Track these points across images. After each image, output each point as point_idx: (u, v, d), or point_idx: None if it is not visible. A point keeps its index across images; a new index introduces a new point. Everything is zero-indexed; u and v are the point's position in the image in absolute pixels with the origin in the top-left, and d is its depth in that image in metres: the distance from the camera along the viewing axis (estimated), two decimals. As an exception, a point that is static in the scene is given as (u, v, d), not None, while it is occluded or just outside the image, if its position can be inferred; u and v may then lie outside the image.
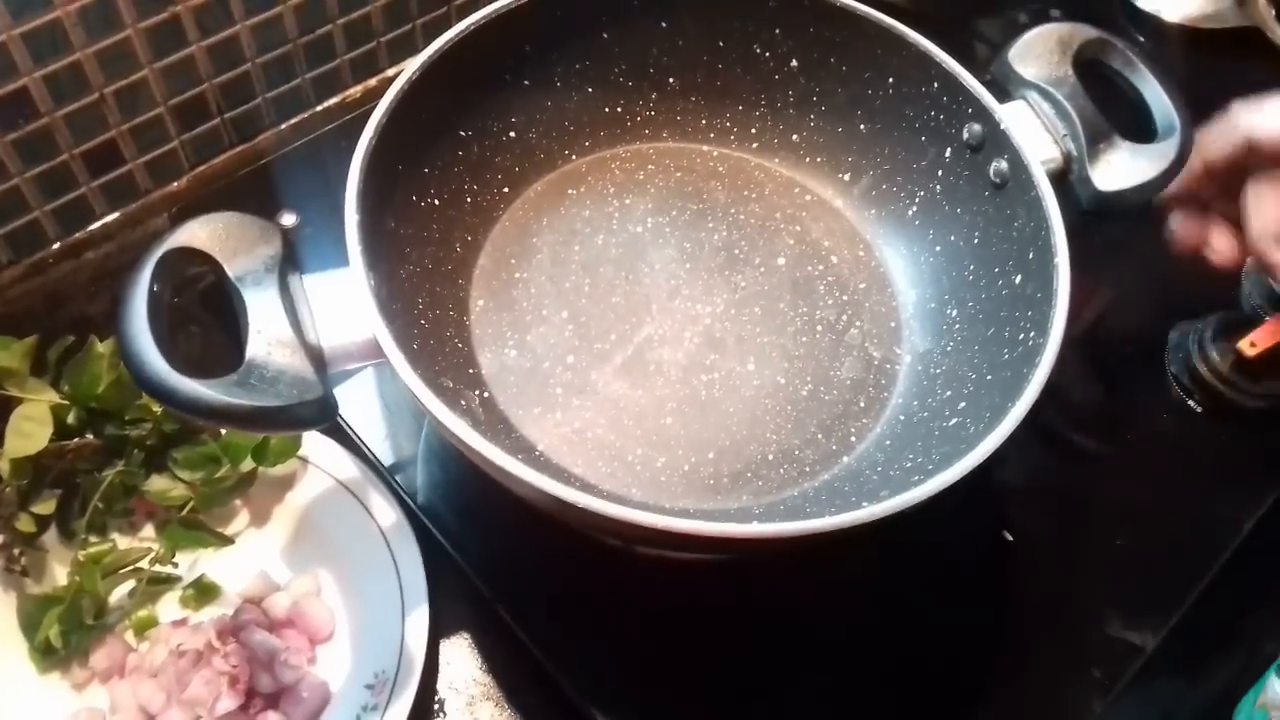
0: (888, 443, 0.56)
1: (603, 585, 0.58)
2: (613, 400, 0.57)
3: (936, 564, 0.61)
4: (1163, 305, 0.73)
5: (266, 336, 0.46)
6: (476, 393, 0.56)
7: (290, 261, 0.49)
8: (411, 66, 0.55)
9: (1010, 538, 0.63)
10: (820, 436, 0.57)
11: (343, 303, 0.48)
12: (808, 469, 0.56)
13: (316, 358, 0.47)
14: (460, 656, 0.60)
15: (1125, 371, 0.71)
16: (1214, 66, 0.83)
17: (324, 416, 0.46)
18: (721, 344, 0.60)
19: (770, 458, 0.56)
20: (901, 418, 0.57)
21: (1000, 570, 0.62)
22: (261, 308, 0.46)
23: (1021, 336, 0.53)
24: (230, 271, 0.47)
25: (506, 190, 0.64)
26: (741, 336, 0.60)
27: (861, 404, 0.58)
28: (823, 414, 0.58)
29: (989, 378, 0.54)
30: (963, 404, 0.54)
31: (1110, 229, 0.60)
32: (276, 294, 0.47)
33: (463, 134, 0.61)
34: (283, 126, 0.79)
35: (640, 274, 0.62)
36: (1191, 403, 0.69)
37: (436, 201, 0.59)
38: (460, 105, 0.60)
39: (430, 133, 0.58)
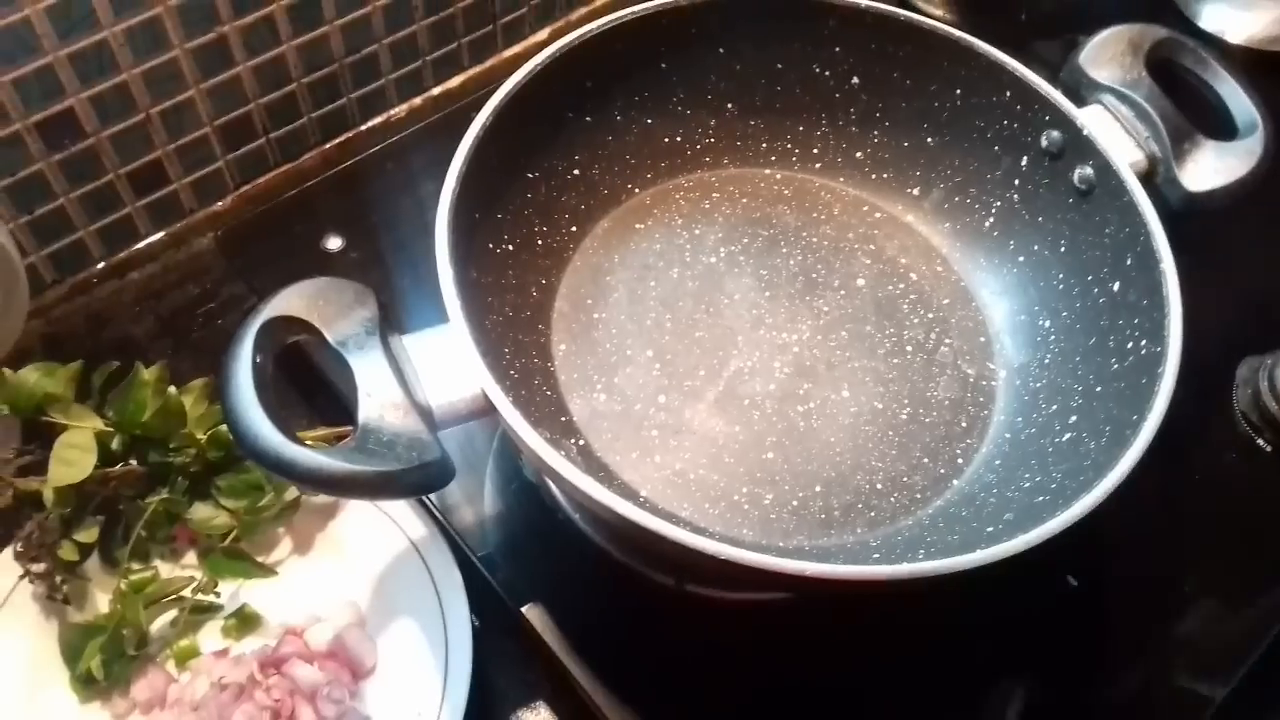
0: (997, 462, 0.55)
1: (653, 625, 0.57)
2: (710, 438, 0.56)
3: (997, 608, 0.57)
4: (1230, 337, 0.69)
5: (378, 400, 0.44)
6: (573, 441, 0.55)
7: (389, 323, 0.47)
8: (483, 113, 0.54)
9: (1074, 583, 0.60)
10: (926, 461, 0.56)
11: (445, 360, 0.47)
12: (919, 495, 0.55)
13: (427, 418, 0.45)
14: (505, 693, 0.58)
15: (1189, 407, 0.68)
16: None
17: (445, 477, 0.44)
18: (813, 372, 0.58)
19: (879, 487, 0.55)
20: (1007, 435, 0.56)
21: (1064, 618, 0.60)
22: (369, 371, 0.45)
23: (1130, 345, 0.52)
24: (330, 337, 0.46)
25: (575, 229, 0.62)
26: (832, 363, 0.59)
27: (963, 424, 0.57)
28: (925, 437, 0.57)
29: (1098, 389, 0.53)
30: (1073, 418, 0.53)
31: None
32: (382, 356, 0.45)
33: (530, 175, 0.59)
34: (327, 146, 0.78)
35: (720, 305, 0.61)
36: (1261, 441, 0.66)
37: (510, 247, 0.58)
38: (526, 147, 0.58)
39: (501, 177, 0.57)
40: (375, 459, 0.42)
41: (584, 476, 0.43)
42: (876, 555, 0.51)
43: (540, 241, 0.60)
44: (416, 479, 0.43)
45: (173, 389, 0.59)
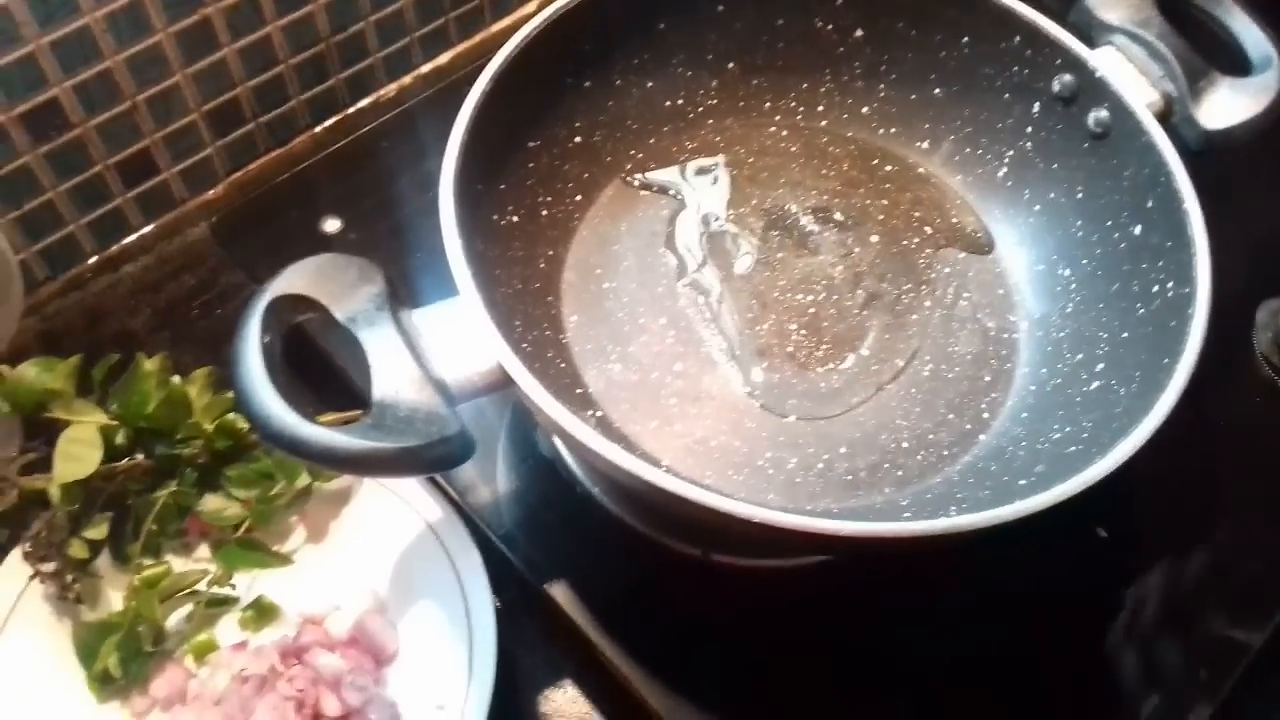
0: (1024, 415, 0.54)
1: (680, 596, 0.56)
2: (730, 404, 0.55)
3: (1027, 564, 0.56)
4: (1249, 280, 0.67)
5: (391, 376, 0.43)
6: (590, 413, 0.53)
7: (397, 298, 0.46)
8: (481, 81, 0.52)
9: (1104, 534, 0.59)
10: (952, 416, 0.55)
11: (458, 333, 0.46)
12: (946, 452, 0.54)
13: (443, 392, 0.44)
14: (529, 672, 0.57)
15: (1209, 352, 0.67)
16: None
17: (466, 451, 0.43)
18: (830, 332, 0.57)
19: (905, 445, 0.54)
20: (1032, 387, 0.55)
21: (1095, 569, 0.58)
22: (380, 347, 0.43)
23: (1155, 289, 0.51)
24: (338, 314, 0.44)
25: (579, 198, 0.61)
26: (850, 322, 0.58)
27: (987, 378, 0.56)
28: (949, 393, 0.56)
29: (1124, 335, 0.52)
30: (1100, 365, 0.52)
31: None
32: (394, 330, 0.44)
33: (531, 145, 0.58)
34: (317, 129, 0.76)
35: (731, 268, 0.59)
36: None
37: (515, 218, 0.56)
38: (526, 115, 0.57)
39: (502, 147, 0.55)
40: (394, 435, 0.41)
41: (609, 444, 0.42)
42: (907, 514, 0.50)
43: (545, 212, 0.59)
44: (438, 453, 0.42)
45: (176, 378, 0.57)
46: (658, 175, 0.63)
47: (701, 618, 0.55)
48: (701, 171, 0.63)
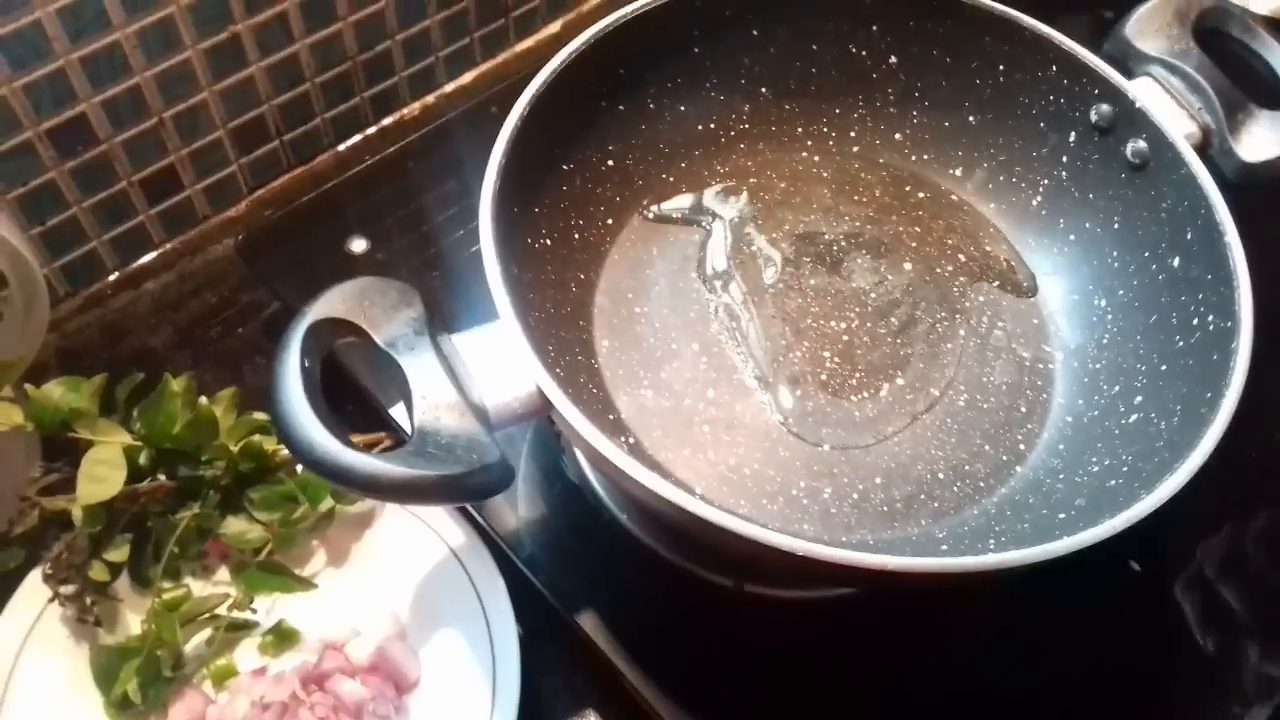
0: (1061, 447, 0.53)
1: (711, 627, 0.55)
2: (763, 432, 0.54)
3: (1061, 598, 0.55)
4: None
5: (432, 401, 0.42)
6: (623, 439, 0.53)
7: (436, 321, 0.45)
8: (520, 103, 0.52)
9: (1137, 567, 0.58)
10: (988, 448, 0.54)
11: (497, 358, 0.45)
12: (982, 484, 0.53)
13: (484, 418, 0.43)
14: (551, 702, 0.56)
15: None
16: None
17: (506, 479, 0.42)
18: (864, 360, 0.57)
19: (941, 476, 0.53)
20: (1069, 419, 0.54)
21: (1128, 603, 0.58)
22: (421, 372, 0.43)
23: (1195, 322, 0.51)
24: (378, 338, 0.44)
25: (611, 222, 0.60)
26: (883, 350, 0.57)
27: (1023, 409, 0.55)
28: (984, 423, 0.55)
29: (1163, 368, 0.52)
30: (1139, 398, 0.52)
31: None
32: (434, 356, 0.43)
33: (565, 168, 0.57)
34: (340, 148, 0.77)
35: (764, 295, 0.59)
36: None
37: (548, 241, 0.56)
38: (560, 138, 0.57)
39: (537, 170, 0.55)
40: (436, 463, 0.40)
41: (649, 473, 0.41)
42: (944, 547, 0.50)
43: (577, 235, 0.58)
44: (480, 481, 0.41)
45: (203, 399, 0.57)
46: (679, 203, 0.62)
47: (732, 649, 0.54)
48: (732, 196, 0.63)
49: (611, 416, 0.54)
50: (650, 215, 0.61)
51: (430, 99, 0.79)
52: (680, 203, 0.62)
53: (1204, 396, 0.47)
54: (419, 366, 0.43)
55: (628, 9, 0.56)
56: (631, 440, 0.53)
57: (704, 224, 0.62)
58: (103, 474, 0.54)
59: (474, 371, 0.45)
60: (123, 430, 0.56)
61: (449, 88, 0.80)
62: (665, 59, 0.60)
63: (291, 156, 0.74)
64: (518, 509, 0.59)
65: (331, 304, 0.44)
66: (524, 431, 0.61)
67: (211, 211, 0.72)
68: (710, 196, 0.63)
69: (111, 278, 0.69)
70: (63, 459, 0.56)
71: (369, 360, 0.44)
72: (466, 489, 0.41)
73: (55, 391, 0.55)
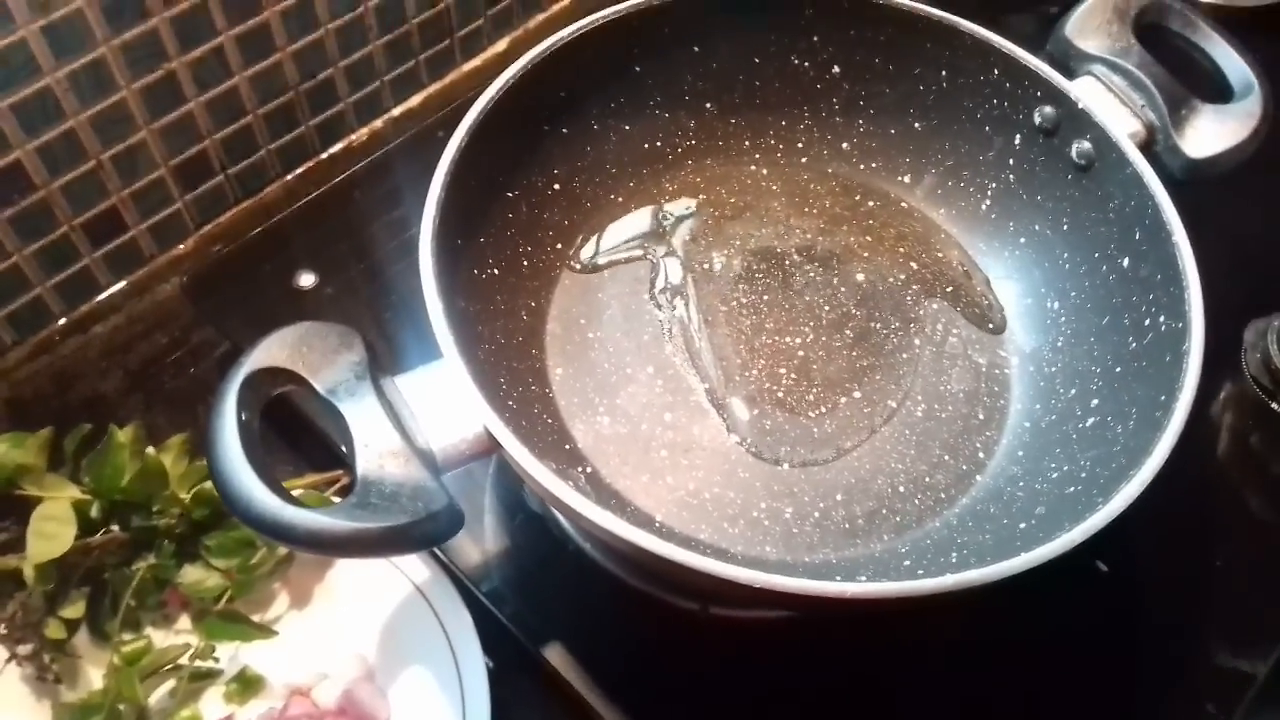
0: (1020, 453, 0.53)
1: (679, 651, 0.55)
2: (722, 454, 0.54)
3: (1027, 601, 0.52)
4: (1236, 301, 0.67)
5: (375, 449, 0.41)
6: (580, 469, 0.52)
7: (378, 364, 0.44)
8: (457, 134, 0.51)
9: (1104, 568, 0.58)
10: (947, 458, 0.54)
11: (442, 399, 0.44)
12: (943, 495, 0.53)
13: (429, 463, 0.42)
14: None
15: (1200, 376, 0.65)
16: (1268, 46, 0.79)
17: (454, 526, 0.42)
18: (821, 375, 0.56)
19: (901, 489, 0.53)
20: (1027, 424, 0.54)
21: (1096, 603, 0.57)
22: (363, 419, 0.42)
23: (1147, 323, 0.50)
24: (319, 386, 0.43)
25: (560, 246, 0.60)
26: (840, 364, 0.57)
27: (980, 416, 0.55)
28: (943, 433, 0.55)
29: (1118, 370, 0.51)
30: (1095, 401, 0.52)
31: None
32: (375, 401, 0.42)
33: (509, 195, 0.57)
34: (289, 178, 0.75)
35: (717, 313, 0.58)
36: (1275, 405, 0.64)
37: (495, 271, 0.55)
38: (504, 165, 0.56)
39: (480, 200, 0.54)
40: (380, 514, 0.39)
41: (600, 510, 0.41)
42: (908, 563, 0.49)
43: (526, 262, 0.58)
44: (426, 530, 0.40)
45: (150, 449, 0.56)
46: (620, 233, 0.62)
47: (701, 672, 0.54)
48: (682, 214, 0.62)
49: (568, 446, 0.53)
50: (577, 267, 0.60)
51: (378, 124, 0.79)
52: (621, 234, 0.62)
53: (1158, 399, 0.46)
54: (361, 413, 0.42)
55: (564, 32, 0.55)
56: (589, 470, 0.53)
57: (650, 256, 0.61)
58: (52, 530, 0.53)
59: (419, 414, 0.44)
60: (71, 484, 0.56)
61: (396, 112, 0.79)
62: (607, 79, 0.59)
63: (239, 190, 0.73)
64: (482, 542, 0.59)
65: (269, 353, 0.43)
66: (485, 465, 0.61)
67: (158, 250, 0.71)
68: (659, 215, 0.62)
69: (59, 323, 0.68)
70: (11, 516, 0.55)
71: (311, 407, 0.43)
72: (412, 539, 0.40)
73: (0, 449, 0.54)
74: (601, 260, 0.60)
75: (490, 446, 0.44)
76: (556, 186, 0.59)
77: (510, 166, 0.56)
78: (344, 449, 0.56)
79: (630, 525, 0.40)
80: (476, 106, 0.52)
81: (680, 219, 0.62)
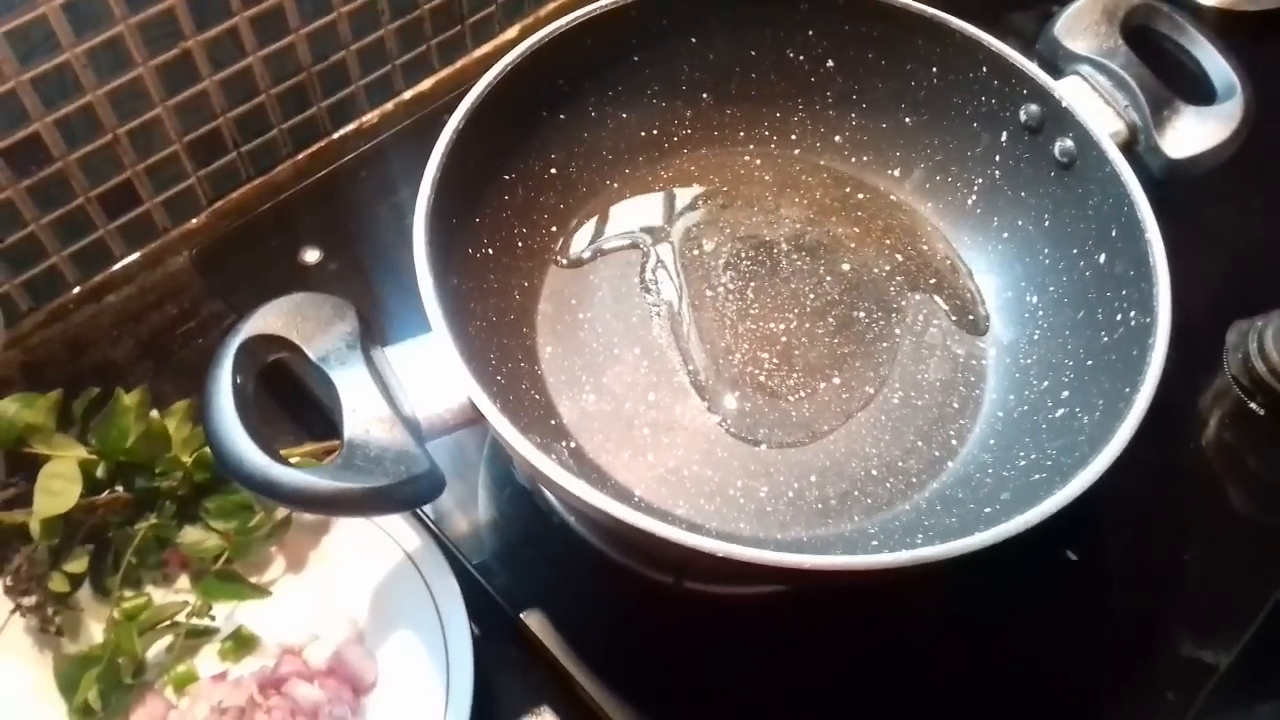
0: (991, 442, 0.55)
1: (654, 623, 0.56)
2: (702, 433, 0.55)
3: (998, 586, 0.55)
4: (1218, 302, 0.68)
5: (362, 415, 0.43)
6: (564, 444, 0.54)
7: (370, 336, 0.46)
8: (455, 117, 0.53)
9: (1074, 557, 0.59)
10: (920, 444, 0.55)
11: (429, 370, 0.46)
12: (914, 480, 0.54)
13: (414, 430, 0.44)
14: (508, 700, 0.58)
15: (1181, 376, 0.60)
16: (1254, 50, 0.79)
17: (434, 490, 0.43)
18: (802, 360, 0.58)
19: (874, 473, 0.54)
20: (1000, 414, 0.56)
21: (1064, 592, 0.59)
22: (352, 386, 0.44)
23: (1119, 318, 0.52)
24: (311, 353, 0.45)
25: (554, 229, 0.61)
26: (821, 351, 0.58)
27: (955, 405, 0.57)
28: (918, 420, 0.56)
29: (1089, 363, 0.53)
30: (1065, 393, 0.53)
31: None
32: (365, 370, 0.44)
33: (506, 177, 0.58)
34: (299, 157, 0.77)
35: (705, 298, 0.60)
36: (1253, 405, 0.65)
37: (490, 251, 0.57)
38: (501, 149, 0.58)
39: (477, 181, 0.56)
40: (363, 475, 0.41)
41: (577, 481, 0.43)
42: (875, 543, 0.51)
43: (520, 243, 0.59)
44: (406, 493, 0.42)
45: (155, 413, 0.58)
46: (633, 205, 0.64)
47: (675, 645, 0.56)
48: (676, 201, 0.64)
49: (553, 422, 0.55)
50: (563, 263, 0.62)
51: (389, 106, 0.80)
52: (615, 220, 0.63)
53: (1123, 392, 0.48)
54: (350, 380, 0.44)
55: (564, 20, 0.57)
56: (573, 445, 0.54)
57: (641, 244, 0.62)
58: (59, 488, 0.55)
59: (406, 383, 0.46)
60: (78, 444, 0.57)
61: (407, 95, 0.81)
62: (605, 68, 0.61)
63: (250, 168, 0.75)
64: (474, 513, 0.61)
65: (265, 320, 0.45)
66: (481, 439, 0.63)
67: (171, 224, 0.73)
68: (653, 202, 0.64)
69: (73, 292, 0.70)
70: (20, 473, 0.57)
71: (305, 374, 0.45)
72: (394, 500, 0.42)
73: (10, 408, 0.56)
74: (592, 251, 0.62)
75: (473, 417, 0.46)
76: (553, 171, 0.61)
77: (508, 150, 0.58)
78: (338, 420, 0.58)
79: (607, 497, 0.42)
80: (475, 90, 0.54)
81: (674, 206, 0.64)
